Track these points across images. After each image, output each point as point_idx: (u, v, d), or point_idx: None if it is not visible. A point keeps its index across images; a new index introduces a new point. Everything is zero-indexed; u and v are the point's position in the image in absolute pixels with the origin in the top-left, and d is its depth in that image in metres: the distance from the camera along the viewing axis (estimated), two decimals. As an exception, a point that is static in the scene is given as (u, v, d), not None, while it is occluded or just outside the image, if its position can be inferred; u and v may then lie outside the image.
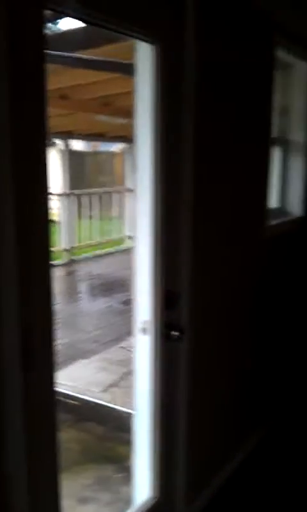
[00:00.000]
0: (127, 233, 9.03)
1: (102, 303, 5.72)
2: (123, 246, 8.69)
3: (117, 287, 6.24)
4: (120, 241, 9.02)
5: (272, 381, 2.99)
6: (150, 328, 1.84)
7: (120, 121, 4.91)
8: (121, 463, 2.73)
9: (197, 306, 2.03)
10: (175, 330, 1.88)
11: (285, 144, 2.91)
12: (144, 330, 1.87)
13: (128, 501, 2.40)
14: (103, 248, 8.46)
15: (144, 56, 1.60)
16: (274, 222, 2.67)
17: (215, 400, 2.35)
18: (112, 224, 9.32)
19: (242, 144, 2.23)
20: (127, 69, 3.07)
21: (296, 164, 2.98)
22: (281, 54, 2.49)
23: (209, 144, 1.94)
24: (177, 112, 1.73)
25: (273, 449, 2.78)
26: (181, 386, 2.02)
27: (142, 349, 1.89)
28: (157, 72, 1.57)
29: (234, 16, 2.01)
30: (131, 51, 1.74)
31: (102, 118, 5.33)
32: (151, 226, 1.73)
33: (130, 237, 9.04)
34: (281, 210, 2.98)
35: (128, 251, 8.31)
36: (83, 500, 2.44)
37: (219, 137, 2.02)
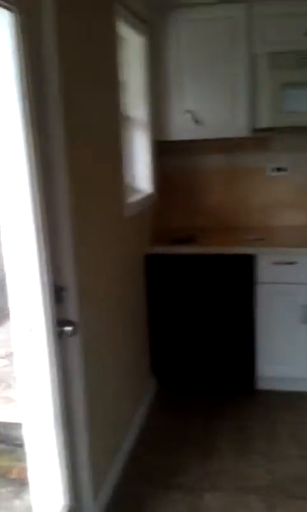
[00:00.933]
0: None
1: None
2: None
3: None
4: None
5: (165, 349, 3.08)
6: (39, 327, 1.69)
7: None
8: (4, 477, 2.52)
9: (85, 296, 1.92)
10: (67, 325, 1.76)
11: (128, 120, 2.88)
12: (31, 330, 1.71)
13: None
14: None
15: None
16: (130, 200, 2.65)
17: (111, 387, 2.29)
18: None
19: (100, 122, 2.13)
20: None
21: (141, 141, 2.98)
22: (119, 28, 2.42)
23: (74, 120, 1.81)
24: (43, 90, 1.57)
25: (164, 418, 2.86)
26: (77, 384, 1.91)
27: (31, 351, 1.73)
28: (19, 43, 1.39)
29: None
30: None
31: None
32: (31, 213, 1.56)
33: None
34: (132, 188, 2.96)
35: None
36: (-23, 529, 2.20)
37: (81, 114, 1.90)
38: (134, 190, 2.98)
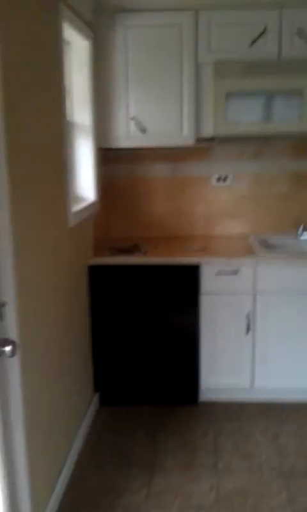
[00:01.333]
0: None
1: None
2: None
3: None
4: None
5: (108, 363, 3.00)
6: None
7: None
8: None
9: (25, 312, 1.80)
10: (6, 345, 1.63)
11: (72, 126, 2.77)
12: None
13: None
14: None
15: None
16: (74, 209, 2.54)
17: (51, 408, 2.17)
18: None
19: (43, 128, 2.03)
20: None
21: (85, 148, 2.88)
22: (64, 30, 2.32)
23: (15, 126, 1.70)
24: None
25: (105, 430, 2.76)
26: (16, 406, 1.79)
27: None
28: None
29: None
30: None
31: None
32: None
33: None
34: (75, 196, 2.86)
35: None
36: None
37: (23, 120, 1.79)
38: (77, 198, 2.87)
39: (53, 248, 2.19)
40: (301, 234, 3.26)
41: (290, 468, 2.48)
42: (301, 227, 3.27)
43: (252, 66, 2.83)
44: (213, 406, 3.04)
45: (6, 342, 1.64)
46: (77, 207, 2.61)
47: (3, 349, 1.62)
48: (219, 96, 2.87)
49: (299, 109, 2.86)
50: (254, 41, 2.81)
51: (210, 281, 2.88)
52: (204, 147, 3.21)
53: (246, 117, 2.91)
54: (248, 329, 2.92)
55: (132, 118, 2.92)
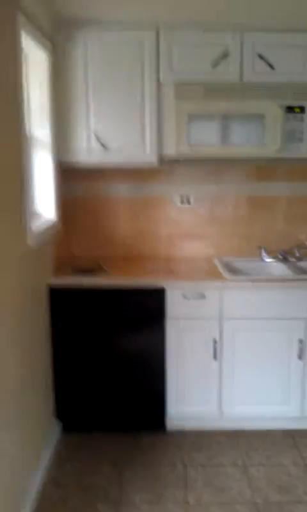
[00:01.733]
0: None
1: None
2: None
3: None
4: None
5: (71, 390, 2.83)
6: None
7: None
8: None
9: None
10: None
11: (31, 142, 2.63)
12: None
13: None
14: None
15: None
16: (32, 229, 2.39)
17: (8, 442, 2.00)
18: None
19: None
20: None
21: (45, 164, 2.73)
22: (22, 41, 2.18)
23: None
24: None
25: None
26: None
27: None
28: None
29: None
30: None
31: None
32: None
33: None
34: (34, 214, 2.70)
35: None
36: None
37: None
38: (36, 217, 2.72)
39: (9, 271, 2.03)
40: (264, 258, 3.19)
41: (262, 501, 2.37)
42: (262, 250, 3.20)
43: (214, 88, 2.77)
44: (181, 434, 2.90)
45: None
46: (36, 227, 2.45)
47: None
48: (180, 117, 2.78)
49: (260, 133, 2.81)
50: (216, 64, 2.74)
51: (176, 305, 2.77)
52: (169, 168, 3.12)
53: (207, 139, 2.82)
54: (215, 355, 2.82)
55: (93, 135, 2.80)
